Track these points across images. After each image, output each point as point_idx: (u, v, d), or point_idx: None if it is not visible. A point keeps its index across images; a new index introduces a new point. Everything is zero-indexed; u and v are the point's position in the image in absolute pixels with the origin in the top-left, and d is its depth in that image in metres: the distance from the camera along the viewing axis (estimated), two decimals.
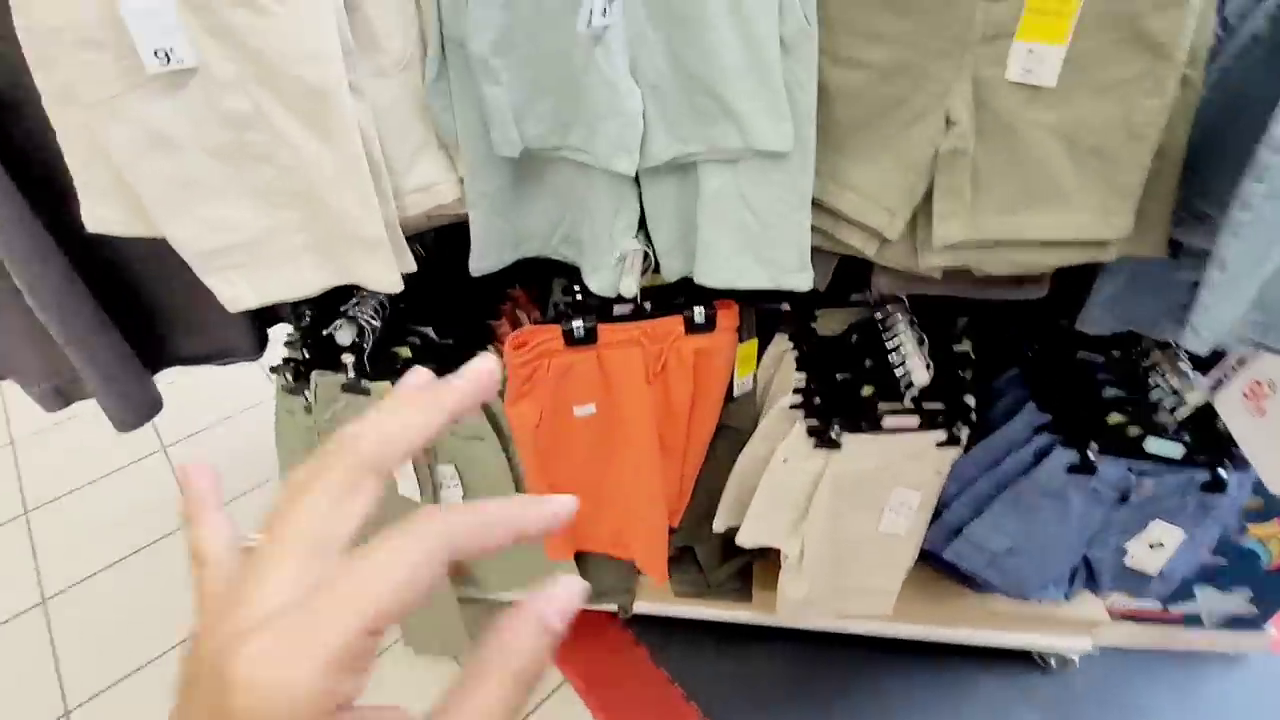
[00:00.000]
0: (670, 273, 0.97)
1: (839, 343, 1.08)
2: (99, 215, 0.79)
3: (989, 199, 0.75)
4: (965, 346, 1.08)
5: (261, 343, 1.17)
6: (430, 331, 1.11)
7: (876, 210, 0.79)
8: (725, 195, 0.83)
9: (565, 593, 0.21)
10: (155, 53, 0.66)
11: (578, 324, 0.97)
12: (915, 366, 0.91)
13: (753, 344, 1.10)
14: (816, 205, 0.82)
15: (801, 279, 0.86)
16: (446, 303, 1.15)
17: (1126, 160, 0.70)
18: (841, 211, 0.82)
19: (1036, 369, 1.07)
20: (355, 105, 0.71)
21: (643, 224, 0.91)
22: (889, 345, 0.98)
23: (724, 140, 0.78)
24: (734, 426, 1.17)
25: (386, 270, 0.81)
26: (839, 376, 1.09)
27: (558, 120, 0.81)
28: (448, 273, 1.04)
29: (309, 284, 0.83)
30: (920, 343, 0.95)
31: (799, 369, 1.09)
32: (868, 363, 1.08)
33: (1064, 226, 0.74)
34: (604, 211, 0.88)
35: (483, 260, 0.92)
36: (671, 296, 1.02)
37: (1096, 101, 0.68)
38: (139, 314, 1.06)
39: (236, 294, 0.81)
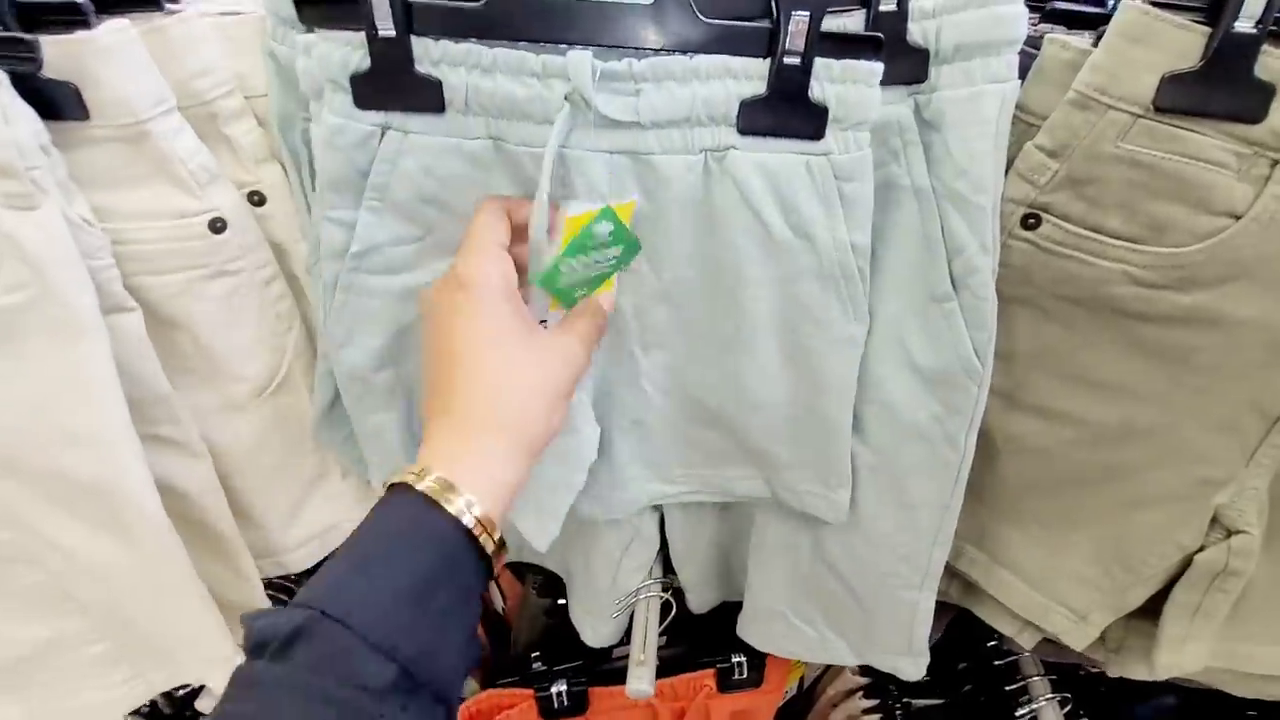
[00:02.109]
0: (701, 605, 0.66)
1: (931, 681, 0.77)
2: None
3: (1259, 626, 0.45)
4: None
5: None
6: None
7: (1053, 610, 0.49)
8: (795, 552, 0.53)
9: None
10: None
11: (559, 688, 0.64)
12: None
13: None
14: (945, 570, 0.52)
15: (909, 664, 0.55)
16: None
17: None
18: (989, 593, 0.51)
19: None
20: (192, 473, 0.40)
21: (663, 547, 0.60)
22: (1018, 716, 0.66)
23: (739, 485, 0.49)
24: None
25: None
26: (918, 705, 0.78)
27: None
28: None
29: (126, 699, 0.52)
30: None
31: (867, 695, 0.78)
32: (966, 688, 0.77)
33: None
34: (606, 544, 0.57)
35: None
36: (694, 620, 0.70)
37: None
38: None
39: None
